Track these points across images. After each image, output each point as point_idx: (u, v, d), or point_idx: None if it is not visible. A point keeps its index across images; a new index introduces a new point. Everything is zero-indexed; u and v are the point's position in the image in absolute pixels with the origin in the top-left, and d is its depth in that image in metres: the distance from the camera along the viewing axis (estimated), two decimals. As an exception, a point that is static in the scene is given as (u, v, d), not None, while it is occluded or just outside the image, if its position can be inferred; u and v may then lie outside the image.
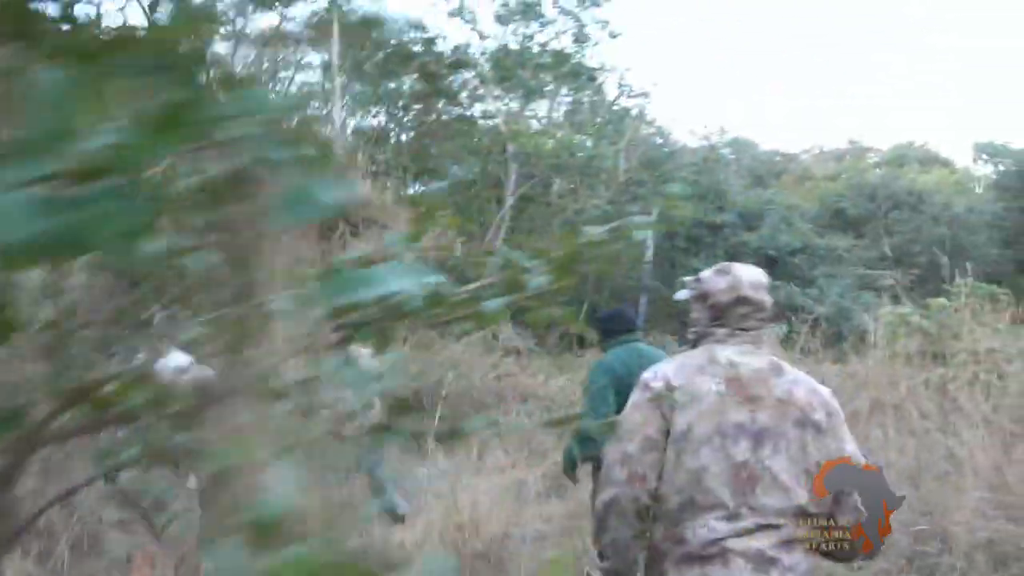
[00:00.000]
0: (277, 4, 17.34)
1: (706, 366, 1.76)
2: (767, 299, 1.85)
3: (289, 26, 19.32)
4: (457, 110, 20.28)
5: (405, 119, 21.95)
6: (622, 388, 3.39)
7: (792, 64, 64.07)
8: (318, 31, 17.91)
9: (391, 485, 5.05)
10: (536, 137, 16.95)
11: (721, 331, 1.82)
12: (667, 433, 1.70)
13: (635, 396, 1.80)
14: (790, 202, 17.74)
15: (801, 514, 1.65)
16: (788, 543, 1.63)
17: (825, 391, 1.80)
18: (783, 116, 60.24)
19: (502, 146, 17.47)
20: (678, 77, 54.91)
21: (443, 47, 18.84)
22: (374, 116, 21.33)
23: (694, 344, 1.90)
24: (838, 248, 15.77)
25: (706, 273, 1.92)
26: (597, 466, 3.62)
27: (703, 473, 1.65)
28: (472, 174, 17.88)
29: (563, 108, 19.69)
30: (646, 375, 1.84)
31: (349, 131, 21.22)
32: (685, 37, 58.74)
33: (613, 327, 3.78)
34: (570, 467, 3.53)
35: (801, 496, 1.65)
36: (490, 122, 19.48)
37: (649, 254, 12.63)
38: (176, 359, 2.61)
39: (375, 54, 19.14)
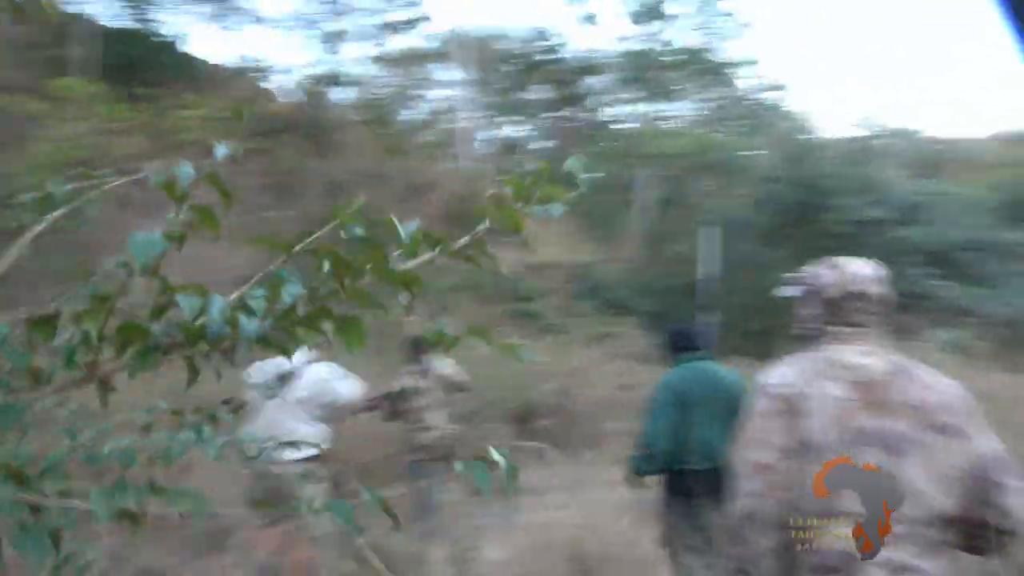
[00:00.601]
0: (409, 26, 17.90)
1: (827, 370, 1.71)
2: (880, 292, 1.81)
3: (422, 45, 19.89)
4: (588, 116, 20.03)
5: (538, 128, 22.00)
6: (684, 406, 3.37)
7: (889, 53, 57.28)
8: (450, 49, 18.34)
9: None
10: (670, 137, 16.35)
11: (837, 330, 1.78)
12: (796, 437, 1.66)
13: (761, 404, 1.74)
14: (959, 192, 15.92)
15: (944, 519, 1.60)
16: (929, 550, 1.59)
17: (957, 389, 1.71)
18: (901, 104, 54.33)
19: (635, 149, 17.00)
20: (790, 68, 51.45)
21: (570, 53, 18.69)
22: (507, 127, 21.53)
23: (805, 341, 1.86)
24: (1018, 242, 13.90)
25: (814, 268, 1.88)
26: (666, 482, 3.41)
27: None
28: (603, 179, 17.52)
29: (697, 106, 18.93)
30: (769, 380, 1.77)
31: (482, 143, 21.51)
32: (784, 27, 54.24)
33: (677, 344, 3.71)
34: (634, 478, 3.51)
35: (941, 501, 1.59)
36: (622, 125, 19.07)
37: (714, 269, 11.87)
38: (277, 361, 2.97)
39: (503, 66, 19.31)
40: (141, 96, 11.94)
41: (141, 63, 13.70)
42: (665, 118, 18.50)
